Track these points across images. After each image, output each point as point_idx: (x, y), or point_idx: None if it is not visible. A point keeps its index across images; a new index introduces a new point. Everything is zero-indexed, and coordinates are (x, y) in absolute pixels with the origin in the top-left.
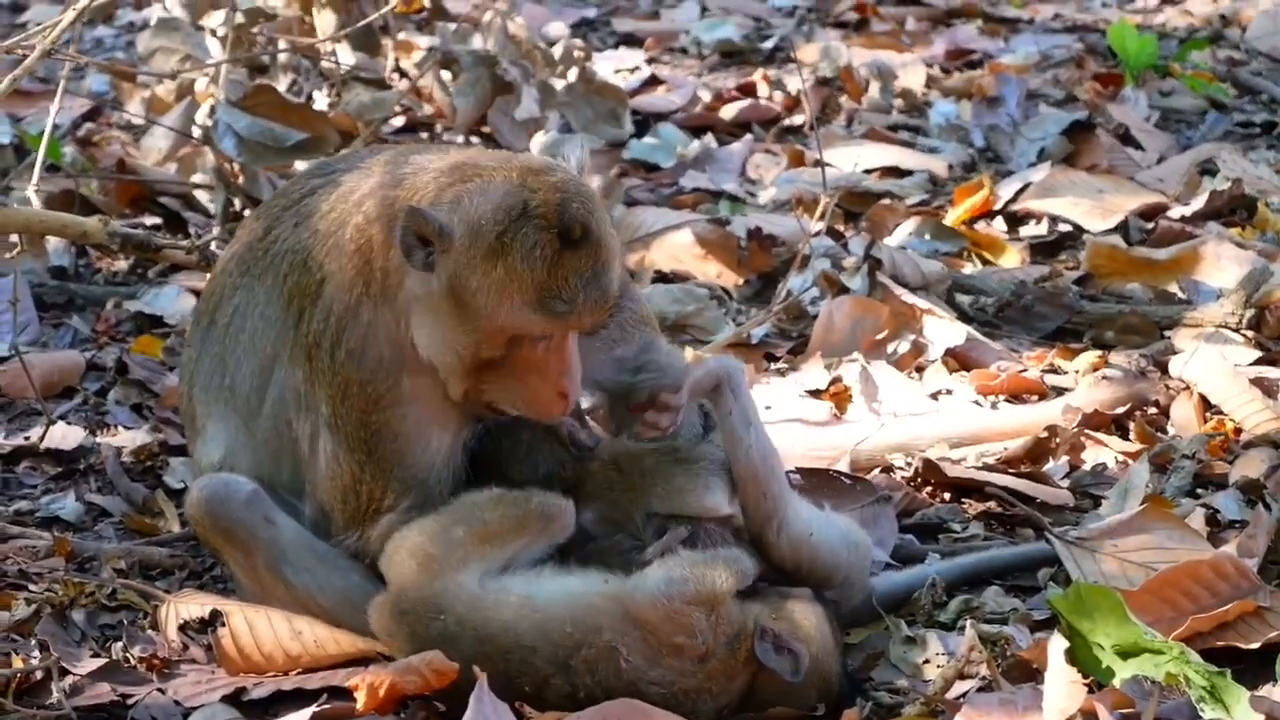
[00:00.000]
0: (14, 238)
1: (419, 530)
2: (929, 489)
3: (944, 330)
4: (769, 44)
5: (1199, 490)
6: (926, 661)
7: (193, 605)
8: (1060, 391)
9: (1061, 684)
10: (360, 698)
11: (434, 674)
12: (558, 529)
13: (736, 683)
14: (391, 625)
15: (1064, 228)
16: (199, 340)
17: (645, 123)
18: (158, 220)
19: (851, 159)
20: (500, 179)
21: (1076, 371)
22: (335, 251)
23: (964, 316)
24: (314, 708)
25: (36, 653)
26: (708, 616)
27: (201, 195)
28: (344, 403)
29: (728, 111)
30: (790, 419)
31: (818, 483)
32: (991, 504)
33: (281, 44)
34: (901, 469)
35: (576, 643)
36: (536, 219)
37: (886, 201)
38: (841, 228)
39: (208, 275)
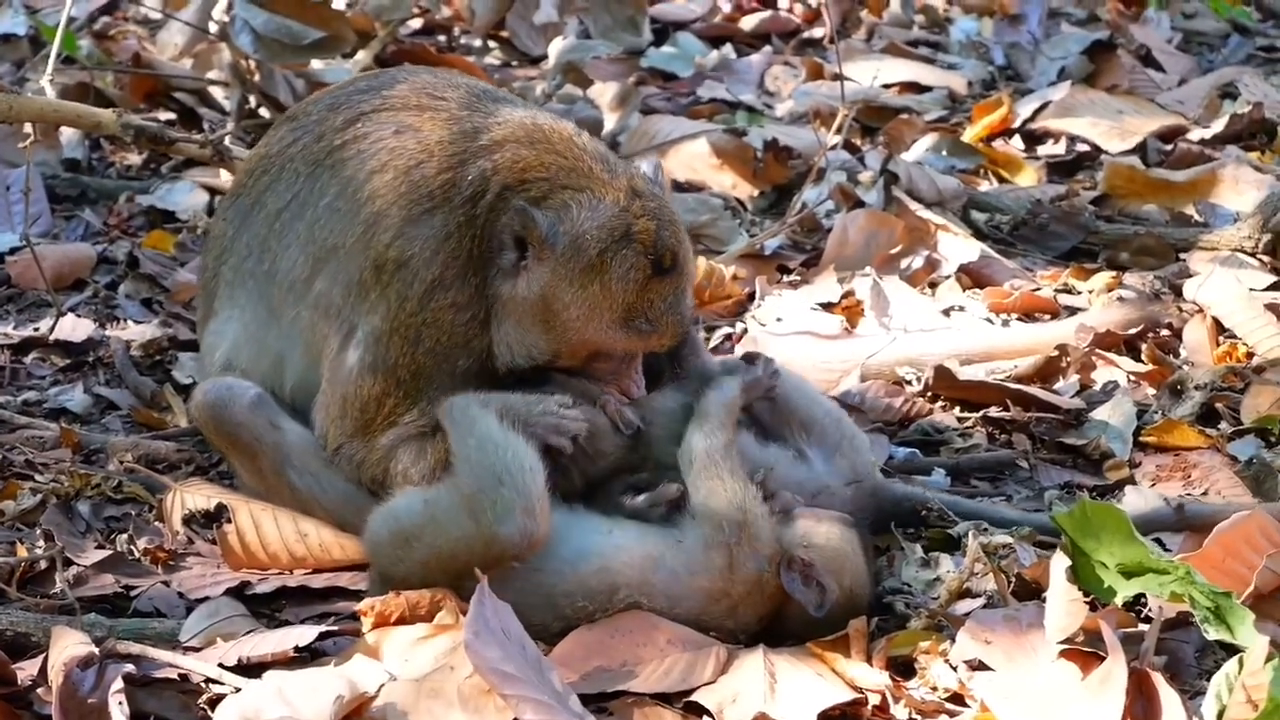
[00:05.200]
0: (27, 128)
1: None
2: (939, 404)
3: (958, 247)
4: None
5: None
6: (937, 579)
7: (198, 496)
8: (1073, 311)
9: (1063, 602)
10: (366, 623)
11: (439, 611)
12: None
13: (763, 609)
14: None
15: (1082, 147)
16: (237, 218)
17: (664, 31)
18: (172, 115)
19: (870, 73)
20: (609, 197)
21: (1090, 291)
22: (449, 188)
23: (979, 234)
24: (321, 626)
25: (41, 542)
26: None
27: (217, 91)
28: (404, 324)
29: (747, 22)
30: (801, 331)
31: None
32: (994, 409)
33: None
34: (910, 384)
35: (595, 608)
36: (636, 244)
37: (904, 117)
38: (858, 142)
39: (223, 170)
